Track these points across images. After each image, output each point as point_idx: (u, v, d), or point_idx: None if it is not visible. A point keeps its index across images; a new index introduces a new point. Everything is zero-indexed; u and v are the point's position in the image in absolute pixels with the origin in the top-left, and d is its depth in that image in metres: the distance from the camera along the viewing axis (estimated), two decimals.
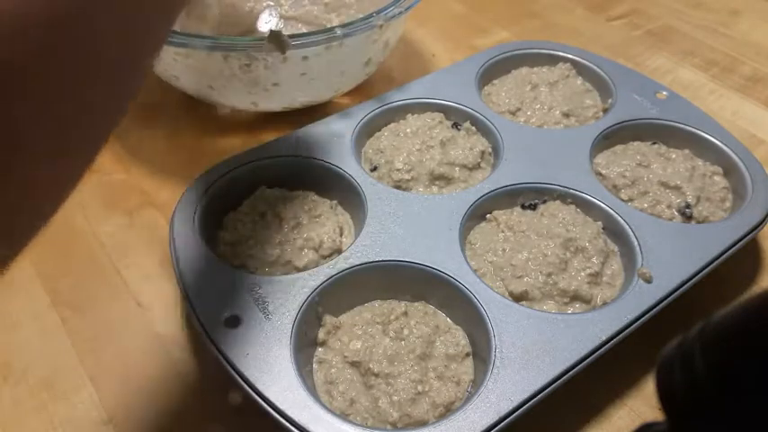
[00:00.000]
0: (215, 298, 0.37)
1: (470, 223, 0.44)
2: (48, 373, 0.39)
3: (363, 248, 0.40)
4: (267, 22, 0.62)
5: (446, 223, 0.42)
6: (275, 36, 0.45)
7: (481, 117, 0.51)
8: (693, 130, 0.50)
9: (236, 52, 0.47)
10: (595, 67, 0.56)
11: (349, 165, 0.46)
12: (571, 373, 0.34)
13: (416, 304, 0.40)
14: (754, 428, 0.19)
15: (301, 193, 0.46)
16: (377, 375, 0.35)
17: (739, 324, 0.21)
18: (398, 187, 0.46)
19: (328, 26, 0.49)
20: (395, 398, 0.34)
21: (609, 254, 0.42)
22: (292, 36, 0.46)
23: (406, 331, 0.37)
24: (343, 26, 0.47)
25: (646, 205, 0.45)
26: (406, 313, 0.38)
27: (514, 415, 0.33)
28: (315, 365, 0.37)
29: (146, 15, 0.22)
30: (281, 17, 0.64)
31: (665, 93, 0.53)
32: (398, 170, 0.46)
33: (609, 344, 0.36)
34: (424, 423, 0.34)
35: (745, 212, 0.44)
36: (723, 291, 0.44)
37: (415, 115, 0.51)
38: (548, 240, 0.42)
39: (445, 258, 0.40)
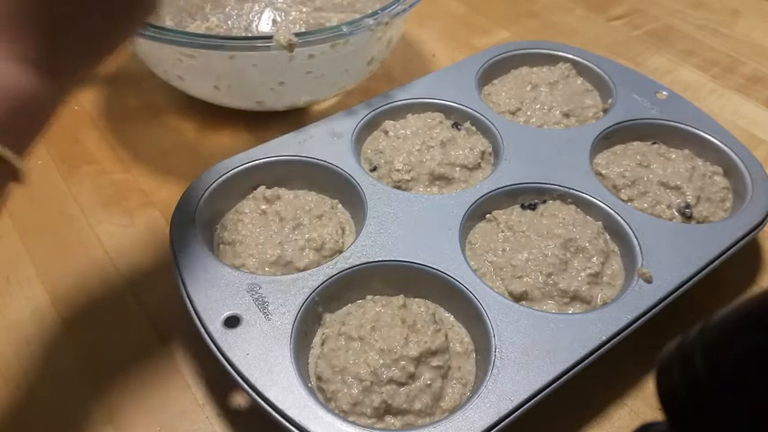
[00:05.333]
0: (215, 298, 0.37)
1: (470, 223, 0.44)
2: (47, 374, 0.39)
3: (363, 248, 0.40)
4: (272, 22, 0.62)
5: (446, 223, 0.42)
6: (283, 35, 0.45)
7: (481, 117, 0.51)
8: (693, 130, 0.50)
9: (243, 51, 0.47)
10: (595, 67, 0.56)
11: (349, 165, 0.46)
12: (571, 373, 0.34)
13: (417, 300, 0.39)
14: (754, 428, 0.19)
15: (301, 193, 0.46)
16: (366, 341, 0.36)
17: (739, 324, 0.21)
18: (398, 187, 0.46)
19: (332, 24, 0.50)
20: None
21: (609, 254, 0.42)
22: (299, 34, 0.46)
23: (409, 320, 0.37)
24: (348, 23, 0.47)
25: (646, 205, 0.45)
26: (404, 305, 0.38)
27: (514, 415, 0.33)
28: (310, 359, 0.37)
29: None
30: (282, 17, 0.64)
31: (665, 93, 0.53)
32: (398, 170, 0.46)
33: (609, 344, 0.36)
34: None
35: (745, 212, 0.44)
36: (723, 291, 0.44)
37: (416, 115, 0.51)
38: (548, 240, 0.42)
39: (445, 258, 0.40)
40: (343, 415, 0.34)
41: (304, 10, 0.65)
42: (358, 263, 0.39)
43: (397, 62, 0.64)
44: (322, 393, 0.35)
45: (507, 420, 0.32)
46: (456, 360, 0.37)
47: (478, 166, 0.48)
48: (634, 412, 0.38)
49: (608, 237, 0.43)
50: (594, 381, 0.37)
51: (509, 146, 0.48)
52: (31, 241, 0.47)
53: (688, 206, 0.45)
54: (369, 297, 0.39)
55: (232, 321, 0.36)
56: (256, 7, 0.65)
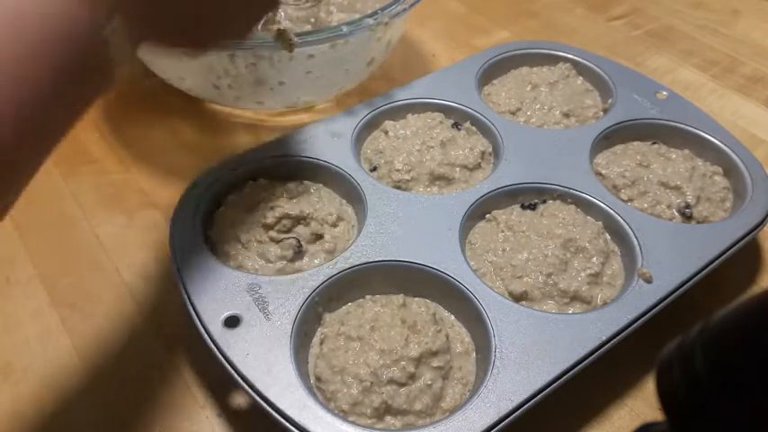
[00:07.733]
0: (215, 298, 0.37)
1: (470, 223, 0.44)
2: (48, 373, 0.39)
3: (363, 248, 0.40)
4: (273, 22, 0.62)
5: (446, 223, 0.42)
6: (283, 34, 0.45)
7: (481, 117, 0.51)
8: (693, 130, 0.50)
9: (243, 51, 0.47)
10: (595, 67, 0.56)
11: (349, 165, 0.46)
12: (571, 373, 0.34)
13: (417, 300, 0.39)
14: (754, 428, 0.19)
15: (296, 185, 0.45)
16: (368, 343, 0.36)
17: (739, 324, 0.21)
18: (398, 187, 0.46)
19: (333, 24, 0.49)
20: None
21: (609, 254, 0.42)
22: (300, 34, 0.46)
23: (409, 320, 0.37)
24: (348, 23, 0.47)
25: (646, 205, 0.45)
26: (404, 305, 0.38)
27: (514, 415, 0.33)
28: (310, 359, 0.37)
29: None
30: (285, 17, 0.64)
31: (665, 93, 0.53)
32: (398, 170, 0.46)
33: (609, 344, 0.36)
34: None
35: (745, 212, 0.44)
36: (723, 291, 0.44)
37: (416, 115, 0.51)
38: (548, 240, 0.42)
39: (445, 258, 0.40)
40: (343, 415, 0.34)
41: (307, 10, 0.65)
42: (358, 263, 0.39)
43: (396, 62, 0.64)
44: (321, 393, 0.35)
45: (507, 420, 0.32)
46: (457, 360, 0.37)
47: (478, 166, 0.48)
48: (634, 412, 0.38)
49: (608, 237, 0.43)
50: (594, 381, 0.37)
51: (509, 146, 0.48)
52: (31, 241, 0.47)
53: (688, 206, 0.45)
54: (368, 297, 0.39)
55: (232, 321, 0.36)
56: None
